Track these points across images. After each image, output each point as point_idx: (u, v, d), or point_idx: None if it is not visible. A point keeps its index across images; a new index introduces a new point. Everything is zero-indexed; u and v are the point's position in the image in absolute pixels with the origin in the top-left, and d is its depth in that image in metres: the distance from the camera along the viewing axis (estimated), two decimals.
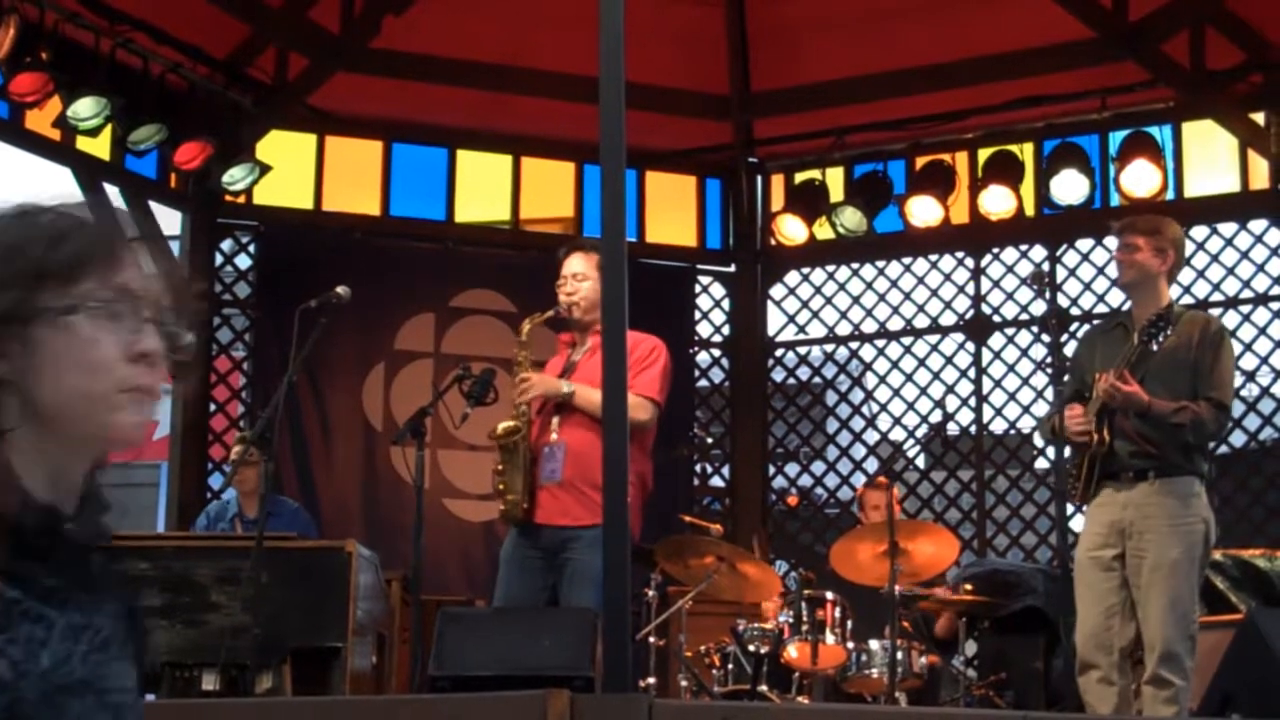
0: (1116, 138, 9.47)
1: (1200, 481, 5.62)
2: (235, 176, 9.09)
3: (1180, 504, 5.51)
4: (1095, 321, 9.75)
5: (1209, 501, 5.63)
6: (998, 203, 9.61)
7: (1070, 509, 6.02)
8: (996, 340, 10.10)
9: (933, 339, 10.32)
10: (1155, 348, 5.58)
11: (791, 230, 10.17)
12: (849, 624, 6.78)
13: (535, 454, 5.67)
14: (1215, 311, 9.50)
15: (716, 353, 10.78)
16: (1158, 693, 5.36)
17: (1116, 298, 9.74)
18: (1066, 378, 5.95)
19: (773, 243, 10.44)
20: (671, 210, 10.64)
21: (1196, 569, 5.53)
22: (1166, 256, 5.73)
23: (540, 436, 5.70)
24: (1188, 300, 9.61)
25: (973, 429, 10.11)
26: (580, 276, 5.79)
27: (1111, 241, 9.63)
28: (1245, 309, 9.54)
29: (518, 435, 5.63)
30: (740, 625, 6.88)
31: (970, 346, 10.15)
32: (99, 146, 8.82)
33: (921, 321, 10.33)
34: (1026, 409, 9.94)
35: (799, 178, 10.46)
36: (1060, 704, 6.88)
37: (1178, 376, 5.58)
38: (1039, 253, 9.98)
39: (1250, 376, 9.62)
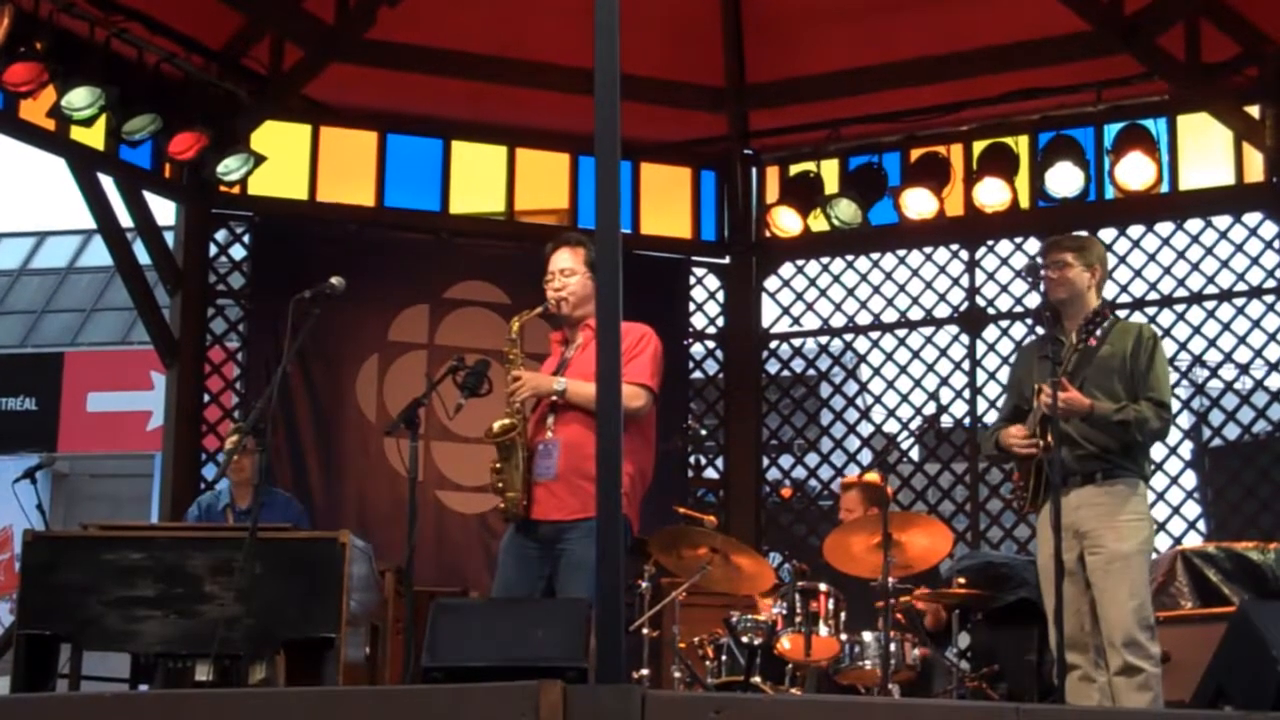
0: (1111, 130, 9.47)
1: (1144, 483, 5.81)
2: (230, 167, 9.09)
3: (1128, 502, 5.67)
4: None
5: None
6: (992, 195, 9.62)
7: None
8: (991, 333, 10.11)
9: (927, 331, 10.34)
10: (1094, 343, 5.75)
11: (786, 222, 10.17)
12: (842, 616, 6.78)
13: (531, 451, 5.66)
14: (1210, 304, 9.55)
15: (711, 344, 10.79)
16: (1129, 681, 5.43)
17: (1110, 291, 9.76)
18: (1003, 397, 6.08)
19: (767, 234, 10.44)
20: (666, 202, 10.64)
21: (1148, 564, 5.73)
22: (1095, 271, 5.92)
23: (536, 434, 5.69)
24: (1182, 293, 9.64)
25: (966, 421, 10.12)
26: (568, 272, 5.76)
27: (1106, 233, 9.76)
28: (1239, 302, 9.55)
29: (514, 432, 5.62)
30: (734, 617, 6.89)
31: (964, 339, 10.16)
32: (93, 136, 8.81)
33: (916, 314, 10.35)
34: None
35: (794, 170, 10.47)
36: (1053, 696, 6.89)
37: (1113, 382, 5.74)
38: (1034, 245, 9.98)
39: (1244, 370, 9.64)
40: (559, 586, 5.56)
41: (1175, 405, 6.09)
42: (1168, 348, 9.02)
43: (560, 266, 5.79)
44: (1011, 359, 9.97)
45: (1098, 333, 5.74)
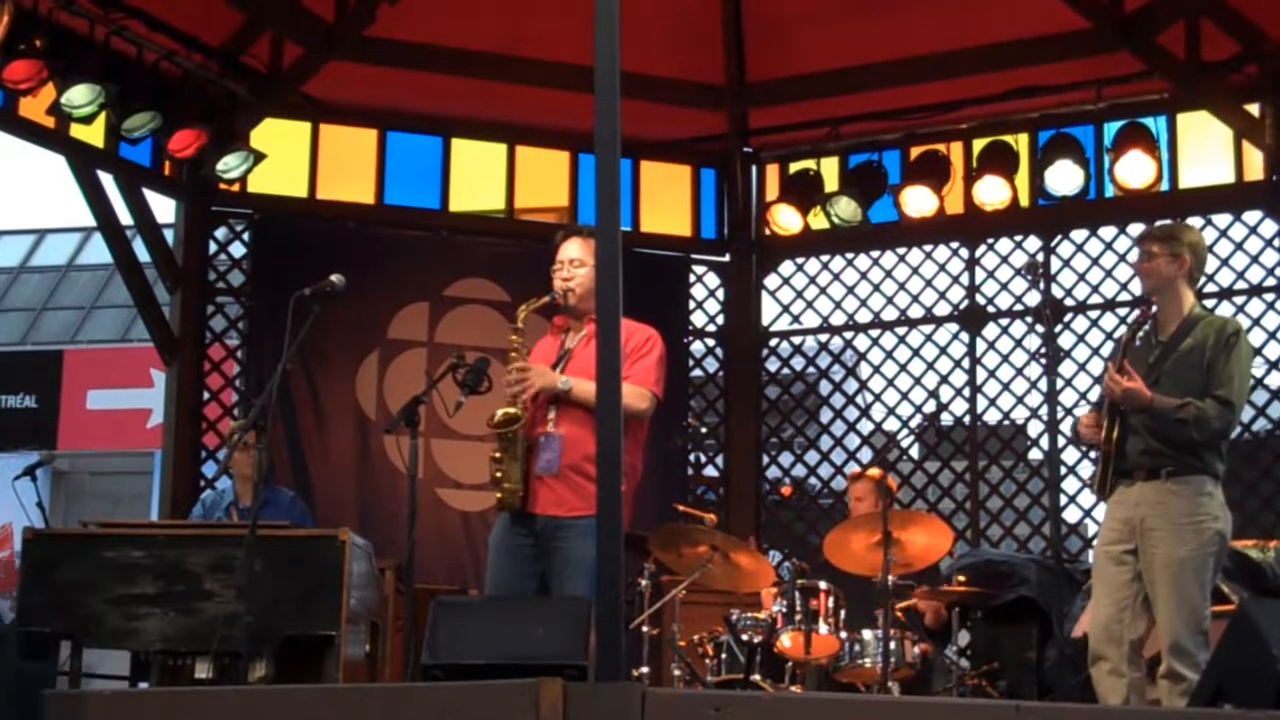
0: (1111, 129, 9.47)
1: (1214, 481, 5.62)
2: (229, 164, 9.09)
3: (1191, 503, 5.52)
4: (1092, 314, 9.80)
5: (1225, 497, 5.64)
6: (992, 193, 9.61)
7: (1063, 500, 6.06)
8: (991, 331, 10.10)
9: (927, 329, 10.33)
10: (1138, 342, 5.71)
11: (786, 220, 10.17)
12: (842, 614, 6.78)
13: (531, 443, 5.66)
14: (1209, 303, 9.52)
15: (711, 342, 10.79)
16: (1173, 686, 5.41)
17: (1111, 288, 9.79)
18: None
19: (767, 232, 10.44)
20: (666, 200, 10.64)
21: (1209, 568, 5.53)
22: (1183, 261, 5.76)
23: (536, 425, 5.69)
24: None
25: (967, 419, 10.12)
26: (577, 262, 5.77)
27: (1106, 231, 9.80)
28: (1239, 300, 9.55)
29: (517, 424, 5.61)
30: (734, 614, 6.89)
31: (964, 337, 10.15)
32: (93, 134, 8.81)
33: (916, 312, 10.34)
34: (1020, 399, 9.95)
35: (794, 167, 10.47)
36: (1053, 694, 6.89)
37: (1191, 377, 5.60)
38: (1033, 243, 9.99)
39: None
40: (555, 584, 5.56)
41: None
42: None
43: (569, 256, 5.80)
44: (1011, 357, 10.00)
45: (1141, 331, 5.68)
